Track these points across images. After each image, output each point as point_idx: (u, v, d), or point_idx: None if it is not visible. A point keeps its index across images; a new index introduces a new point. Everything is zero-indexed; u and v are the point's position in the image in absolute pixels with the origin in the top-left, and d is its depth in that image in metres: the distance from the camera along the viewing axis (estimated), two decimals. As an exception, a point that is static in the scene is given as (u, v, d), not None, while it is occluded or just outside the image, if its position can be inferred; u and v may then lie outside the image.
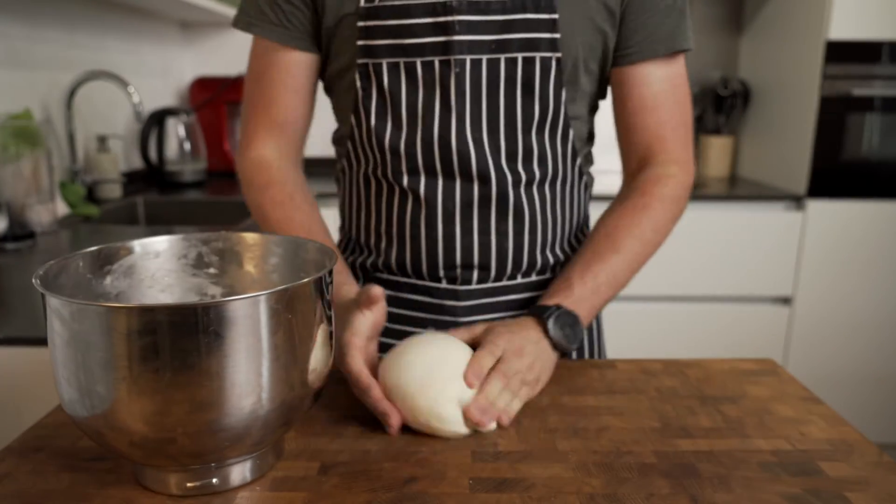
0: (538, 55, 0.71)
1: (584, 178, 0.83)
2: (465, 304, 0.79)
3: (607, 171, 2.51)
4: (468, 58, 0.70)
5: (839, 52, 1.90)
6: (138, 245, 0.61)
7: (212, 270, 0.64)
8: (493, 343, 0.64)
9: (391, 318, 0.80)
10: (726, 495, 0.52)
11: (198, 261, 0.64)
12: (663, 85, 0.77)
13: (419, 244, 0.77)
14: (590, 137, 0.85)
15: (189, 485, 0.52)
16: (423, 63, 0.71)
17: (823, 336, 2.08)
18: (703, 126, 2.47)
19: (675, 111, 0.78)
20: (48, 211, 1.46)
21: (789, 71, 2.11)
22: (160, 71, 2.29)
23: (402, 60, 0.72)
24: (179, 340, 0.45)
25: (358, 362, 0.63)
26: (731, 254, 2.02)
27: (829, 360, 2.09)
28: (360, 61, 0.73)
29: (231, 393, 0.47)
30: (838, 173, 1.98)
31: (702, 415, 0.66)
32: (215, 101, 2.29)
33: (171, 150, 2.16)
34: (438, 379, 0.61)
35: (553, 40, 0.71)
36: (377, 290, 0.63)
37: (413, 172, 0.75)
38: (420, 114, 0.73)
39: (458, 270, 0.78)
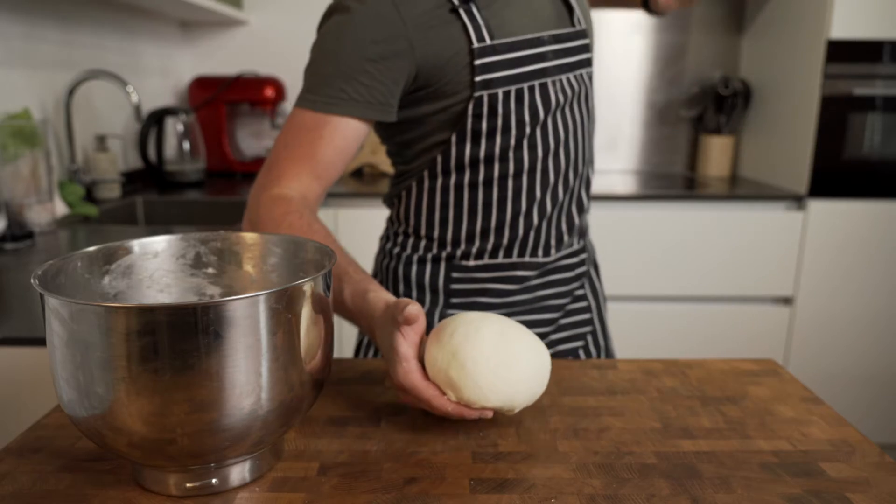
0: (585, 71, 0.91)
1: None
2: (538, 271, 0.93)
3: (607, 171, 2.51)
4: (558, 78, 0.86)
5: (840, 52, 1.90)
6: (137, 245, 0.61)
7: (210, 270, 0.64)
8: None
9: (467, 293, 0.92)
10: (727, 496, 0.52)
11: (196, 261, 0.64)
12: None
13: (516, 232, 0.89)
14: None
15: (188, 485, 0.52)
16: (528, 87, 0.84)
17: (824, 336, 2.08)
18: (703, 125, 2.47)
19: None
20: (47, 211, 1.45)
21: (790, 70, 2.11)
22: (159, 70, 2.29)
23: (513, 88, 0.83)
24: (179, 340, 0.45)
25: (416, 378, 0.60)
26: (731, 254, 2.02)
27: (830, 360, 2.09)
28: (476, 94, 0.82)
29: (230, 393, 0.47)
30: (839, 173, 1.98)
31: (703, 415, 0.66)
32: (215, 100, 2.29)
33: (171, 149, 2.16)
34: (511, 353, 0.59)
35: (590, 59, 0.92)
36: (414, 310, 0.60)
37: (518, 175, 0.87)
38: (527, 129, 0.85)
39: (541, 248, 0.91)
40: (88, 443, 0.59)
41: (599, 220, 1.98)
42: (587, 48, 0.91)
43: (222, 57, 2.46)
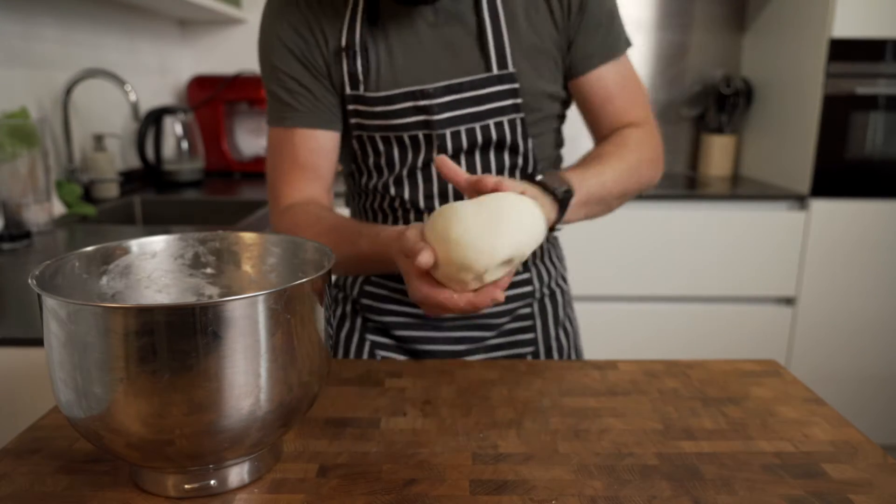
0: (505, 119, 0.82)
1: None
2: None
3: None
4: (447, 131, 0.81)
5: (843, 51, 1.90)
6: (135, 245, 0.61)
7: (209, 270, 0.64)
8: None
9: (378, 297, 0.91)
10: (729, 497, 0.52)
11: (195, 261, 0.63)
12: (616, 79, 0.89)
13: None
14: (558, 163, 0.95)
15: (187, 486, 0.52)
16: (409, 136, 0.82)
17: (827, 337, 2.07)
18: (705, 125, 2.46)
19: (630, 98, 0.92)
20: (44, 210, 1.45)
21: (792, 69, 2.10)
22: (158, 69, 2.28)
23: (391, 134, 0.83)
24: (177, 341, 0.44)
25: (427, 288, 0.62)
26: (733, 254, 2.01)
27: (832, 360, 2.09)
28: (354, 133, 0.85)
29: (229, 394, 0.47)
30: (842, 172, 1.97)
31: (704, 416, 0.65)
32: (213, 99, 2.29)
33: (169, 149, 2.15)
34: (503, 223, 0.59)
35: (516, 104, 0.82)
36: (424, 254, 0.60)
37: (405, 209, 0.86)
38: (408, 172, 0.84)
39: None
40: (86, 444, 0.58)
41: (600, 220, 1.98)
42: (510, 93, 0.81)
43: (221, 56, 2.46)
